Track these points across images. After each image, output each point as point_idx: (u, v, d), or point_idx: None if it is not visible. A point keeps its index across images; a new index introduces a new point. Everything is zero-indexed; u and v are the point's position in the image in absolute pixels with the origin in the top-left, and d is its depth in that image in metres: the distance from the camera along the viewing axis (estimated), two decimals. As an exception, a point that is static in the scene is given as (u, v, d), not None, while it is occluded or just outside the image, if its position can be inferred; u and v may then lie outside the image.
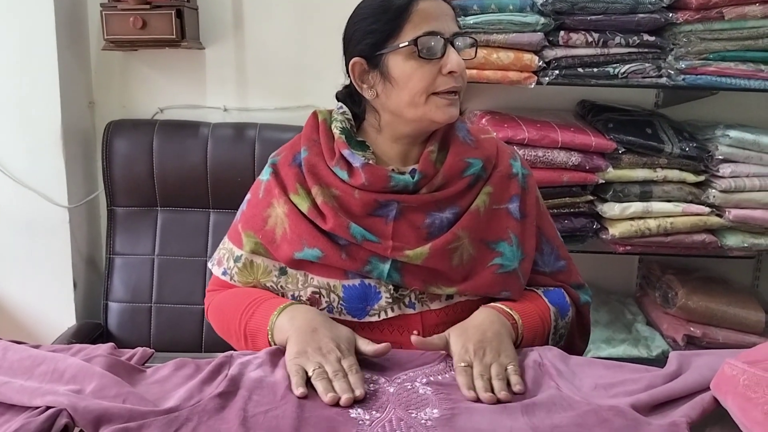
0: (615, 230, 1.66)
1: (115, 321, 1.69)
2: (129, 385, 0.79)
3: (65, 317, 1.74)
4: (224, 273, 1.08)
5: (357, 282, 1.00)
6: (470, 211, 1.02)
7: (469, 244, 1.01)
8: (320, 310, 1.00)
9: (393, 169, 1.03)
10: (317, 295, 1.01)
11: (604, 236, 1.69)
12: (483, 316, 0.96)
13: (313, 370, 0.82)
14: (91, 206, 1.82)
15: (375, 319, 1.01)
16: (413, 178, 1.00)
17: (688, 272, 1.89)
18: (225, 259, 1.09)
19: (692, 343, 1.75)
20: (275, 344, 0.93)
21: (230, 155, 1.68)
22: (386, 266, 0.98)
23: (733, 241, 1.69)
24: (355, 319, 1.01)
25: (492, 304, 1.00)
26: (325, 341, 0.87)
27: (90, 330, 1.68)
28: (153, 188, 1.69)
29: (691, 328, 1.75)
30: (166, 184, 1.69)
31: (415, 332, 1.01)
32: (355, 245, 0.98)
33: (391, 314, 1.01)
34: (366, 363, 0.89)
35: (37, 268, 1.72)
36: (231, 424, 0.73)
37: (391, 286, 1.00)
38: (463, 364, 0.85)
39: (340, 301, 1.00)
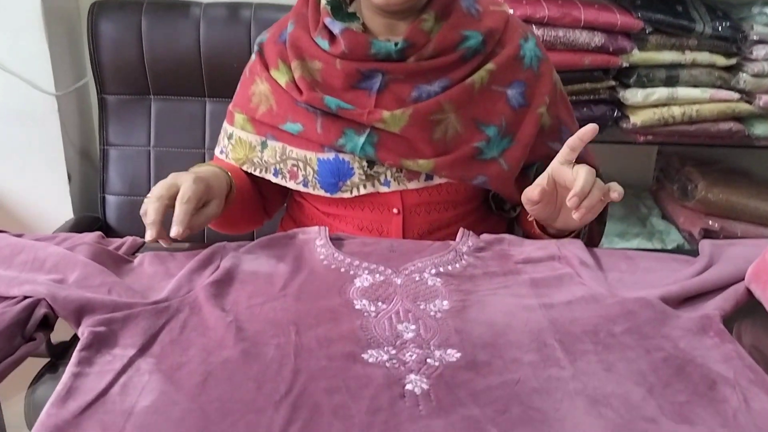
0: (637, 118, 1.56)
1: (114, 214, 1.64)
2: (115, 275, 0.73)
3: (62, 211, 1.68)
4: (221, 152, 1.07)
5: (331, 156, 0.96)
6: (463, 84, 0.95)
7: (457, 120, 0.95)
8: (297, 183, 0.99)
9: (377, 38, 0.96)
10: (296, 168, 0.99)
11: (624, 125, 1.59)
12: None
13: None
14: (80, 94, 1.72)
15: (347, 195, 0.98)
16: (397, 46, 0.94)
17: (708, 164, 1.80)
18: (222, 139, 1.08)
19: (709, 236, 1.69)
20: None
21: (224, 38, 1.55)
22: (361, 139, 0.93)
23: (761, 129, 1.59)
24: (328, 194, 0.98)
25: None
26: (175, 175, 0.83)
27: (89, 224, 1.63)
28: (144, 75, 1.58)
29: (709, 222, 1.68)
30: (157, 70, 1.58)
31: (395, 210, 0.99)
32: (331, 116, 0.94)
33: (363, 191, 0.97)
34: (371, 254, 0.83)
35: (30, 160, 1.64)
36: (225, 315, 0.68)
37: (365, 162, 0.96)
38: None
39: (315, 175, 0.97)
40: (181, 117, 1.63)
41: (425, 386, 0.57)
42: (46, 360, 1.01)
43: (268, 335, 0.65)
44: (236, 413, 0.53)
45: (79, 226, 1.60)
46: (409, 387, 0.57)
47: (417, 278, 0.78)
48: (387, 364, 0.61)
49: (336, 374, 0.59)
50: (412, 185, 0.97)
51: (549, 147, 1.01)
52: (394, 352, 0.63)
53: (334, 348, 0.63)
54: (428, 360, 0.62)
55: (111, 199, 1.64)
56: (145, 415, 0.53)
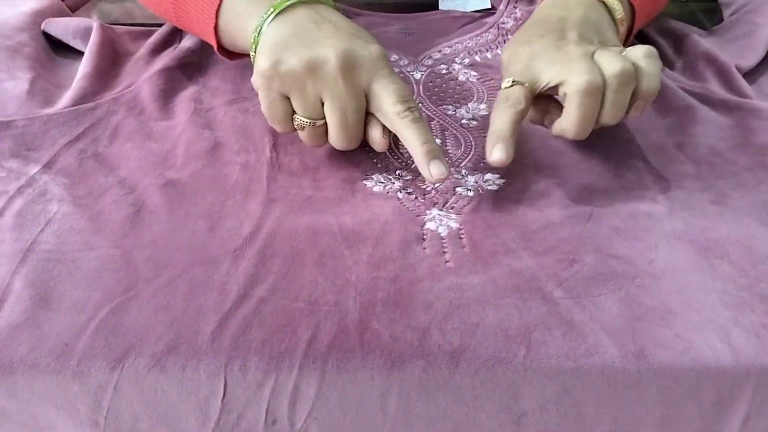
0: None
1: None
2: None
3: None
4: None
5: None
6: None
7: None
8: None
9: None
10: None
11: None
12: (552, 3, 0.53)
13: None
14: None
15: None
16: None
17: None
18: None
19: None
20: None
21: None
22: None
23: None
24: None
25: None
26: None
27: None
28: None
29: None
30: None
31: None
32: None
33: None
34: (377, 39, 0.64)
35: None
36: (172, 118, 0.52)
37: None
38: (506, 83, 0.46)
39: None
40: None
41: (454, 225, 0.42)
42: None
43: (231, 150, 0.49)
44: (176, 265, 0.38)
45: None
46: (430, 226, 0.42)
47: (444, 71, 0.60)
48: (399, 195, 0.45)
49: (324, 207, 0.43)
50: None
51: None
52: (409, 177, 0.47)
53: (322, 170, 0.47)
54: (458, 189, 0.46)
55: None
56: (44, 262, 0.38)
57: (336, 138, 0.44)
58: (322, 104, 0.43)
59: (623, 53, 0.45)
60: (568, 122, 0.44)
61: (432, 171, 0.41)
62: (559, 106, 0.46)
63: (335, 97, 0.42)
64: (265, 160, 0.48)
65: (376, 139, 0.45)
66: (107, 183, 0.45)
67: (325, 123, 0.44)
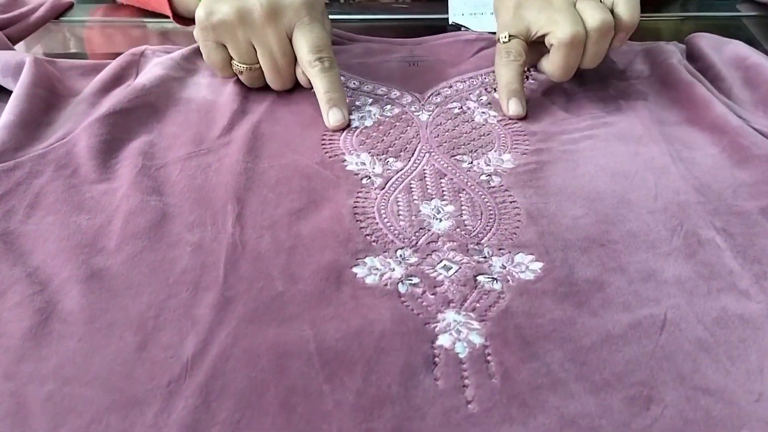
0: None
1: None
2: None
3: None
4: None
5: None
6: None
7: None
8: None
9: None
10: None
11: None
12: None
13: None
14: None
15: None
16: None
17: None
18: None
19: None
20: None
21: None
22: None
23: None
24: None
25: None
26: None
27: None
28: None
29: None
30: None
31: None
32: None
33: None
34: (376, 69, 0.54)
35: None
36: (113, 181, 0.42)
37: None
38: (504, 37, 0.50)
39: None
40: None
41: (476, 339, 0.31)
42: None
43: (183, 223, 0.38)
44: (84, 411, 0.27)
45: None
46: (444, 341, 0.31)
47: (456, 110, 0.49)
48: (401, 288, 0.34)
49: (299, 309, 0.32)
50: None
51: None
52: (414, 260, 0.36)
53: (300, 250, 0.36)
54: (480, 279, 0.35)
55: None
56: None
57: (271, 80, 0.50)
58: (255, 50, 0.48)
59: None
60: (553, 68, 0.48)
61: (330, 117, 0.47)
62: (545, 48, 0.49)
63: (263, 43, 0.48)
64: (225, 238, 0.37)
65: (299, 77, 0.50)
66: (12, 276, 0.34)
67: (260, 67, 0.49)
